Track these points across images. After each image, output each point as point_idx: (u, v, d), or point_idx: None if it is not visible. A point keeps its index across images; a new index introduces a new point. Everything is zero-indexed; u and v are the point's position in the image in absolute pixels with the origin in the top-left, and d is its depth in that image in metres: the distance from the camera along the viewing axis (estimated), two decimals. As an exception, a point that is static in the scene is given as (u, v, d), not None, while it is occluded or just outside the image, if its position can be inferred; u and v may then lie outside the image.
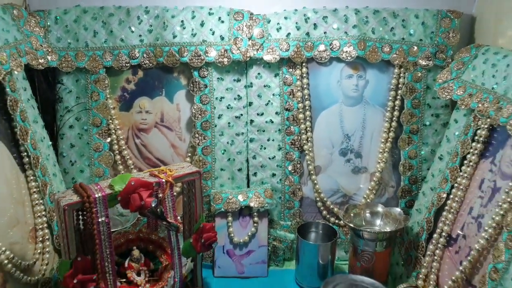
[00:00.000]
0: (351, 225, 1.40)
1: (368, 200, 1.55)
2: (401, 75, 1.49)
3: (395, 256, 1.51)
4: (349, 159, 1.56)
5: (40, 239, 1.30)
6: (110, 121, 1.52)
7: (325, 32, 1.47)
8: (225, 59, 1.46)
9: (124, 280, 1.27)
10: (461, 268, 1.17)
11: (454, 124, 1.39)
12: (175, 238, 1.29)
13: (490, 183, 1.19)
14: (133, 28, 1.47)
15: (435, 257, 1.30)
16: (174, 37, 1.46)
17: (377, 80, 1.51)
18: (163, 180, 1.25)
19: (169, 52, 1.46)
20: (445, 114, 1.50)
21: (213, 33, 1.46)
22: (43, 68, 1.43)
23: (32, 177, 1.31)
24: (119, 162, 1.55)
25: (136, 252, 1.30)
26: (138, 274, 1.28)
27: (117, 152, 1.54)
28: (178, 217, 1.30)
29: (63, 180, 1.48)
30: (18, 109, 1.27)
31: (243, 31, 1.46)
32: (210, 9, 1.48)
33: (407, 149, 1.52)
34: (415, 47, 1.47)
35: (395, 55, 1.47)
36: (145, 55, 1.48)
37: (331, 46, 1.47)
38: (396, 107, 1.51)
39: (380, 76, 1.51)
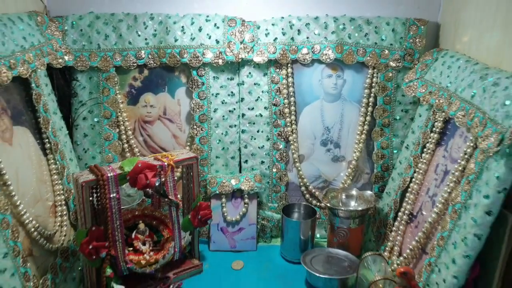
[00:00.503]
0: (329, 205, 1.61)
1: (345, 185, 1.76)
2: (374, 75, 1.70)
3: (368, 234, 1.72)
4: (329, 149, 1.76)
5: (59, 214, 1.51)
6: (119, 113, 1.73)
7: (307, 37, 1.68)
8: (220, 60, 1.67)
9: (131, 248, 1.48)
10: (416, 238, 1.38)
11: (418, 117, 1.60)
12: (175, 214, 1.51)
13: (443, 166, 1.40)
14: (139, 32, 1.68)
15: (399, 232, 1.51)
16: (176, 40, 1.67)
17: (354, 79, 1.72)
18: (166, 163, 1.46)
19: (171, 53, 1.67)
20: (413, 109, 1.70)
21: (209, 37, 1.67)
22: (61, 66, 1.65)
23: (52, 161, 1.52)
24: (127, 150, 1.76)
25: (141, 225, 1.51)
26: (144, 244, 1.49)
27: (125, 141, 1.75)
28: (178, 196, 1.51)
29: (78, 165, 1.69)
30: (41, 102, 1.49)
31: (235, 35, 1.68)
32: (207, 16, 1.69)
33: (379, 140, 1.73)
34: (386, 51, 1.67)
35: (368, 58, 1.68)
36: (150, 56, 1.69)
37: (312, 50, 1.68)
38: (370, 103, 1.72)
39: (356, 76, 1.72)
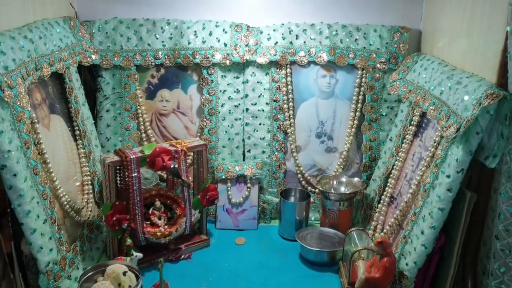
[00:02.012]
0: (321, 189, 1.83)
1: (337, 173, 1.97)
2: (363, 75, 1.92)
3: (357, 217, 1.93)
4: (323, 140, 1.99)
5: (86, 192, 1.74)
6: (138, 107, 1.96)
7: (304, 42, 1.91)
8: (227, 61, 1.91)
9: (149, 222, 1.71)
10: (394, 216, 1.60)
11: (400, 113, 1.82)
12: (187, 193, 1.74)
13: (418, 154, 1.62)
14: (157, 36, 1.92)
15: (382, 213, 1.73)
16: (189, 43, 1.91)
17: (345, 79, 1.95)
18: (179, 149, 1.69)
19: (185, 55, 1.91)
20: (397, 106, 1.92)
21: (218, 41, 1.91)
22: (89, 64, 1.89)
23: (81, 145, 1.75)
24: (145, 139, 1.99)
25: (157, 203, 1.74)
26: (159, 219, 1.72)
27: (143, 131, 1.98)
28: (190, 178, 1.74)
29: (102, 151, 1.92)
30: (73, 94, 1.73)
31: (241, 39, 1.91)
32: (217, 22, 1.92)
33: (368, 133, 1.95)
34: (374, 54, 1.90)
35: (358, 60, 1.90)
36: (166, 56, 1.92)
37: (309, 53, 1.91)
38: (359, 101, 1.94)
39: (348, 76, 1.94)
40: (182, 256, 1.73)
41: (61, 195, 1.55)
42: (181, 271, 1.66)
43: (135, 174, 1.61)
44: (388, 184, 1.74)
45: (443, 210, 1.35)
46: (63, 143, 1.66)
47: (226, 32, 1.92)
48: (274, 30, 1.92)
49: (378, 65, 1.90)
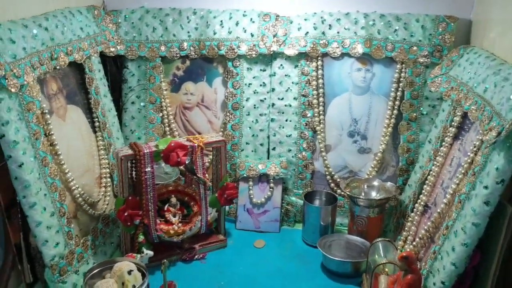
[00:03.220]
0: (349, 193, 1.68)
1: (370, 176, 1.82)
2: (403, 70, 1.75)
3: (389, 225, 1.77)
4: (356, 140, 1.83)
5: (104, 185, 1.70)
6: (163, 99, 1.90)
7: (338, 32, 1.76)
8: (253, 53, 1.80)
9: (163, 219, 1.64)
10: (425, 227, 1.43)
11: (441, 112, 1.64)
12: (203, 191, 1.66)
13: (457, 159, 1.44)
14: (183, 26, 1.84)
15: (414, 222, 1.56)
16: (214, 34, 1.82)
17: (382, 73, 1.78)
18: (196, 145, 1.61)
19: (210, 46, 1.82)
20: (440, 105, 1.72)
21: (245, 31, 1.80)
22: (113, 55, 1.85)
23: (100, 138, 1.71)
24: (168, 133, 1.93)
25: (173, 199, 1.67)
26: (174, 216, 1.65)
27: (167, 124, 1.92)
28: (206, 175, 1.66)
29: (124, 144, 1.88)
30: (93, 85, 1.69)
31: (269, 30, 1.79)
32: (244, 11, 1.82)
33: (406, 134, 1.78)
34: (415, 47, 1.72)
35: (397, 53, 1.73)
36: (191, 48, 1.85)
37: (342, 44, 1.76)
38: (397, 98, 1.77)
39: (385, 70, 1.78)
40: (196, 256, 1.65)
41: (74, 187, 1.52)
42: (192, 272, 1.59)
43: (149, 169, 1.55)
44: (423, 191, 1.56)
45: (478, 226, 1.18)
46: (81, 135, 1.62)
47: (253, 22, 1.81)
48: (305, 20, 1.79)
49: (420, 59, 1.72)
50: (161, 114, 1.91)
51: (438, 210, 1.39)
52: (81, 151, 1.61)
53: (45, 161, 1.37)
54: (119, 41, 1.85)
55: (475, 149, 1.29)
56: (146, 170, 1.54)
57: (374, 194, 1.74)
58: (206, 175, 1.66)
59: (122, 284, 1.39)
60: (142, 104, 1.91)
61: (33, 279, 1.46)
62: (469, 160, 1.31)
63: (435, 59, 1.71)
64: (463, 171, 1.32)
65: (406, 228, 1.59)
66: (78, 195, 1.54)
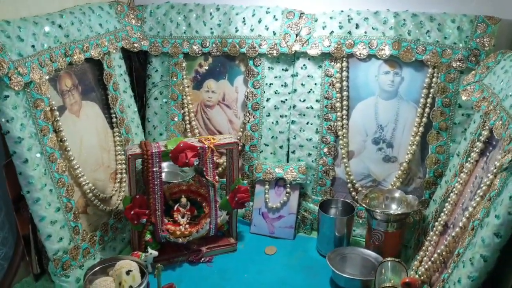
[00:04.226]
0: (365, 205, 1.58)
1: (394, 187, 1.70)
2: (435, 75, 1.60)
3: (411, 241, 1.65)
4: (381, 148, 1.72)
5: (118, 180, 1.72)
6: (184, 96, 1.88)
7: (365, 32, 1.65)
8: (274, 51, 1.72)
9: (172, 219, 1.63)
10: (438, 251, 1.31)
11: (472, 124, 1.48)
12: (213, 193, 1.62)
13: (479, 179, 1.29)
14: (206, 22, 1.80)
15: (432, 242, 1.44)
16: (236, 31, 1.76)
17: (412, 77, 1.64)
18: (206, 146, 1.57)
19: (231, 43, 1.77)
20: (474, 115, 1.57)
21: (267, 29, 1.73)
22: (137, 51, 1.85)
23: (117, 133, 1.72)
24: (188, 130, 1.91)
25: (183, 200, 1.65)
26: (182, 217, 1.63)
27: (187, 122, 1.90)
28: (217, 177, 1.62)
29: (143, 139, 1.88)
30: (111, 81, 1.69)
31: (292, 28, 1.71)
32: (268, 8, 1.74)
33: (435, 144, 1.63)
34: (449, 50, 1.57)
35: (428, 56, 1.59)
36: (214, 45, 1.80)
37: (369, 45, 1.64)
38: (428, 104, 1.63)
39: (415, 74, 1.64)
40: (203, 259, 1.63)
41: (84, 183, 1.54)
42: (196, 275, 1.57)
43: (156, 169, 1.54)
44: (444, 209, 1.43)
45: (486, 260, 1.05)
46: (96, 131, 1.64)
47: (276, 19, 1.73)
48: (330, 18, 1.69)
49: (454, 63, 1.57)
50: (182, 111, 1.90)
51: (453, 234, 1.26)
52: (95, 146, 1.63)
53: (53, 157, 1.40)
54: (141, 37, 1.85)
55: (495, 170, 1.15)
56: (154, 169, 1.53)
57: (394, 207, 1.63)
58: (216, 177, 1.62)
59: (119, 284, 1.39)
60: (164, 100, 1.90)
61: (40, 270, 1.50)
62: (488, 182, 1.17)
63: (471, 64, 1.55)
64: (481, 194, 1.19)
65: (423, 248, 1.47)
66: (89, 191, 1.55)
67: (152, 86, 1.91)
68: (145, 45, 1.85)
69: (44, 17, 1.43)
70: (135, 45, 1.83)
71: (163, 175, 1.83)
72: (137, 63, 1.90)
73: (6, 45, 1.25)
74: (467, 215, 1.22)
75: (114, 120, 1.72)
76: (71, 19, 1.51)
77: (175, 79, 1.87)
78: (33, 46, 1.34)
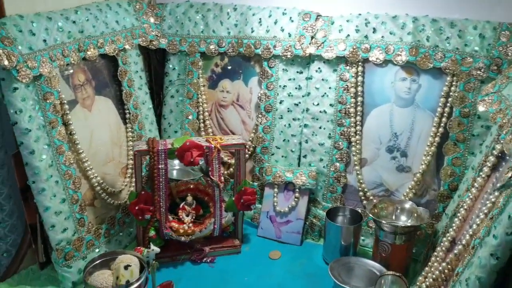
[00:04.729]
0: (372, 215, 1.53)
1: (406, 198, 1.63)
2: (453, 83, 1.53)
3: (421, 255, 1.58)
4: (394, 156, 1.66)
5: (129, 175, 1.74)
6: (200, 95, 1.89)
7: (382, 37, 1.59)
8: (289, 53, 1.70)
9: (176, 217, 1.64)
10: (440, 268, 1.25)
11: (489, 137, 1.41)
12: (218, 193, 1.61)
13: (488, 195, 1.22)
14: (223, 22, 1.80)
15: (438, 258, 1.37)
16: (252, 31, 1.75)
17: (430, 85, 1.58)
18: (213, 146, 1.57)
19: (247, 44, 1.76)
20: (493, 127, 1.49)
21: (282, 30, 1.71)
22: (155, 48, 1.87)
23: (130, 129, 1.75)
24: (202, 129, 1.91)
25: (189, 198, 1.65)
26: (187, 215, 1.63)
27: (201, 121, 1.91)
28: (222, 178, 1.61)
29: (158, 136, 1.90)
30: (126, 77, 1.72)
31: (307, 30, 1.67)
32: (284, 9, 1.72)
33: (451, 155, 1.56)
34: (469, 58, 1.49)
35: (447, 64, 1.52)
36: (230, 45, 1.80)
37: (386, 50, 1.59)
38: (445, 114, 1.56)
39: (433, 82, 1.57)
40: (205, 259, 1.62)
41: (92, 176, 1.56)
42: (196, 274, 1.57)
43: (161, 166, 1.54)
44: (453, 224, 1.36)
45: (481, 281, 0.99)
46: (108, 125, 1.67)
47: (292, 21, 1.70)
48: (347, 21, 1.64)
49: (474, 72, 1.49)
50: (197, 110, 1.90)
51: (455, 251, 1.20)
52: (106, 141, 1.65)
53: (60, 149, 1.43)
54: (160, 35, 1.86)
55: (499, 187, 1.09)
56: (159, 167, 1.54)
57: (403, 219, 1.57)
58: (222, 178, 1.61)
59: (116, 278, 1.41)
60: (180, 98, 1.91)
61: (46, 259, 1.54)
62: (493, 199, 1.11)
63: (493, 74, 1.47)
64: (485, 211, 1.12)
65: (429, 263, 1.40)
66: (97, 184, 1.58)
67: (169, 84, 1.92)
68: (163, 43, 1.87)
69: (59, 13, 1.46)
70: (154, 43, 1.85)
71: (174, 172, 1.87)
72: (155, 61, 1.92)
73: (17, 38, 1.30)
74: (471, 233, 1.16)
75: (128, 116, 1.74)
76: (86, 15, 1.55)
77: (190, 78, 1.88)
78: (44, 40, 1.38)
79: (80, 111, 1.55)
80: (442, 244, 1.38)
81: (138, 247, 1.56)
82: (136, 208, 1.55)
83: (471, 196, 1.32)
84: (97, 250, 1.56)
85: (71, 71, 1.52)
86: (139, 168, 1.55)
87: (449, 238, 1.36)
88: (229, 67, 1.85)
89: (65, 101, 1.45)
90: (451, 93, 1.54)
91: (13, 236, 1.53)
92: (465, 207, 1.33)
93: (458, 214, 1.36)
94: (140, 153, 1.53)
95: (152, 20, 1.84)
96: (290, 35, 1.70)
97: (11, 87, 1.29)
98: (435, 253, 1.40)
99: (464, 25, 1.50)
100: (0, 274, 1.52)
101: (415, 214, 1.55)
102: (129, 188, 1.73)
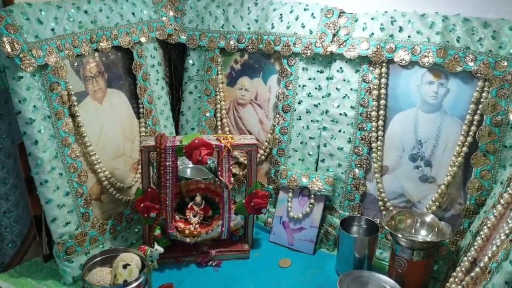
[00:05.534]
0: (388, 227, 1.42)
1: (429, 211, 1.51)
2: (485, 89, 1.40)
3: (442, 273, 1.46)
4: (418, 165, 1.54)
5: (140, 171, 1.70)
6: (218, 92, 1.83)
7: (409, 36, 1.48)
8: (309, 51, 1.61)
9: (184, 217, 1.58)
10: (455, 291, 1.13)
11: (522, 149, 1.27)
12: (227, 194, 1.55)
13: (514, 214, 1.10)
14: (243, 17, 1.73)
15: (456, 279, 1.25)
16: (273, 27, 1.67)
17: (459, 90, 1.45)
18: (223, 145, 1.50)
19: (267, 40, 1.68)
20: (529, 138, 1.36)
21: (303, 27, 1.62)
22: (174, 43, 1.82)
23: (143, 124, 1.71)
24: (219, 127, 1.85)
25: (198, 198, 1.60)
26: (195, 216, 1.58)
27: (219, 119, 1.85)
28: (232, 179, 1.54)
29: (173, 133, 1.85)
30: (141, 71, 1.68)
31: (329, 27, 1.58)
32: (307, 5, 1.63)
33: (480, 167, 1.43)
34: (504, 62, 1.36)
35: (479, 67, 1.39)
36: (250, 41, 1.73)
37: (412, 50, 1.47)
38: (474, 122, 1.43)
39: (463, 87, 1.45)
40: (211, 262, 1.56)
41: (100, 170, 1.53)
42: (199, 277, 1.50)
43: (169, 163, 1.49)
44: (475, 243, 1.24)
45: (495, 311, 0.87)
46: (119, 119, 1.63)
47: (314, 17, 1.61)
48: (372, 19, 1.54)
49: (508, 77, 1.36)
50: (214, 108, 1.84)
51: (472, 274, 1.08)
52: (117, 135, 1.62)
53: (66, 141, 1.40)
54: (179, 29, 1.81)
55: (526, 206, 0.97)
56: (167, 164, 1.49)
57: (423, 233, 1.45)
58: (232, 179, 1.54)
59: (114, 277, 1.37)
60: (198, 95, 1.86)
61: (50, 252, 1.52)
62: (517, 220, 0.98)
63: (530, 80, 1.34)
64: (507, 231, 1.00)
65: (447, 284, 1.28)
66: (104, 178, 1.55)
67: (187, 80, 1.88)
68: (182, 38, 1.82)
69: (70, 2, 1.44)
70: (173, 37, 1.81)
71: (188, 170, 1.82)
72: (175, 55, 1.88)
73: (23, 26, 1.27)
74: (490, 255, 1.04)
75: (141, 110, 1.70)
76: (100, 5, 1.51)
77: (209, 74, 1.82)
78: (53, 29, 1.35)
79: (90, 103, 1.52)
80: (462, 264, 1.26)
81: (142, 246, 1.51)
82: (142, 205, 1.51)
83: (495, 214, 1.19)
84: (101, 246, 1.53)
85: (82, 62, 1.49)
86: (146, 164, 1.51)
87: (470, 258, 1.23)
88: (249, 64, 1.78)
89: (73, 92, 1.42)
90: (482, 100, 1.41)
91: (19, 226, 1.52)
92: (489, 225, 1.21)
93: (481, 233, 1.23)
94: (147, 149, 1.49)
95: (171, 13, 1.80)
96: (311, 32, 1.61)
97: (16, 76, 1.27)
98: (454, 274, 1.27)
99: (499, 25, 1.37)
100: (4, 264, 1.51)
101: (436, 229, 1.43)
102: (140, 184, 1.69)
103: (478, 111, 1.42)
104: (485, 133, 1.41)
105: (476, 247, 1.23)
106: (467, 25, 1.40)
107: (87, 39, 1.46)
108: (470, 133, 1.44)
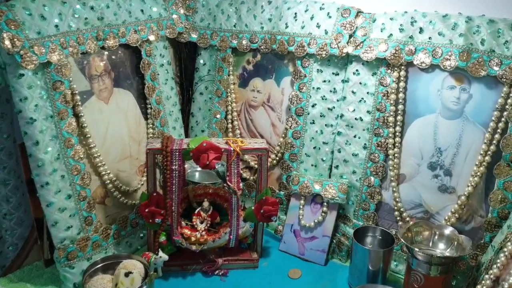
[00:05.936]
0: (403, 240, 1.34)
1: (448, 223, 1.43)
2: (511, 95, 1.31)
3: (461, 289, 1.38)
4: (437, 174, 1.46)
5: (146, 173, 1.64)
6: (229, 94, 1.77)
7: (430, 38, 1.40)
8: (324, 52, 1.54)
9: (190, 223, 1.52)
10: (477, 312, 1.05)
11: (550, 160, 1.19)
12: (235, 201, 1.48)
13: (543, 231, 1.01)
14: (256, 16, 1.66)
15: (477, 298, 1.17)
16: (286, 27, 1.60)
17: (482, 96, 1.37)
18: (232, 149, 1.44)
19: (280, 40, 1.61)
20: (559, 148, 1.27)
21: (318, 27, 1.55)
22: (184, 41, 1.77)
23: (151, 125, 1.65)
24: (230, 130, 1.79)
25: (205, 204, 1.54)
26: (201, 222, 1.51)
27: (230, 121, 1.78)
28: (241, 184, 1.48)
29: (183, 134, 1.80)
30: (150, 70, 1.62)
31: (346, 27, 1.51)
32: (322, 4, 1.56)
33: (503, 178, 1.34)
34: (532, 66, 1.27)
35: (504, 72, 1.30)
36: (263, 41, 1.66)
37: (433, 53, 1.39)
38: (498, 130, 1.34)
39: (486, 93, 1.36)
40: (217, 271, 1.50)
41: (104, 172, 1.48)
42: (203, 287, 1.44)
43: (175, 167, 1.43)
44: (497, 260, 1.16)
45: None
46: (126, 120, 1.58)
47: (330, 17, 1.54)
48: (391, 19, 1.46)
49: (537, 83, 1.27)
50: (225, 109, 1.78)
51: (495, 296, 1.00)
52: (123, 136, 1.57)
53: (69, 142, 1.35)
54: (189, 27, 1.76)
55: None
56: (173, 167, 1.43)
57: (442, 247, 1.37)
58: (240, 184, 1.48)
59: (115, 285, 1.31)
60: (209, 96, 1.80)
61: (51, 256, 1.47)
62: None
63: (561, 86, 1.25)
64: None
65: (468, 303, 1.20)
66: (109, 181, 1.50)
67: (198, 80, 1.82)
68: (193, 36, 1.76)
69: (77, -2, 1.39)
70: (184, 35, 1.75)
71: (196, 174, 1.75)
72: (185, 54, 1.82)
73: (25, 22, 1.22)
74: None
75: (149, 111, 1.65)
76: (107, 2, 1.46)
77: (220, 75, 1.76)
78: (56, 26, 1.30)
79: (95, 103, 1.47)
80: (483, 282, 1.18)
81: (147, 253, 1.46)
82: (146, 210, 1.45)
83: (522, 229, 1.11)
84: (104, 252, 1.48)
85: (88, 60, 1.43)
86: (152, 167, 1.45)
87: (492, 276, 1.15)
88: (261, 65, 1.71)
89: (77, 91, 1.37)
90: (507, 106, 1.32)
91: (20, 229, 1.47)
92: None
93: (505, 249, 1.15)
94: (152, 151, 1.43)
95: (182, 11, 1.74)
96: (326, 32, 1.54)
97: (17, 73, 1.22)
98: (475, 292, 1.20)
99: (528, 27, 1.28)
100: (5, 268, 1.47)
101: (456, 243, 1.35)
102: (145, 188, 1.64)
103: (503, 119, 1.33)
104: (510, 142, 1.32)
105: (499, 264, 1.14)
106: (493, 27, 1.32)
107: (93, 37, 1.41)
108: (494, 141, 1.35)
